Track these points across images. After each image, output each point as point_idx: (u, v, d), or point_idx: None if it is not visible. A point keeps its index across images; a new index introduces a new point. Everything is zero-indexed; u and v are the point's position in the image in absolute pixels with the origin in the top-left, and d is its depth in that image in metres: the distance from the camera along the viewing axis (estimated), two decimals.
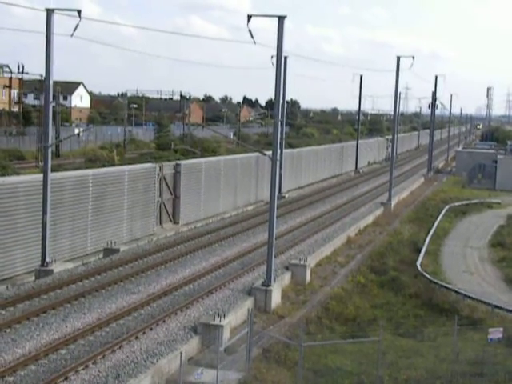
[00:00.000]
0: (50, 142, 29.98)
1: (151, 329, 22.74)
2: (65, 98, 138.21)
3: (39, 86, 79.84)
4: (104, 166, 53.46)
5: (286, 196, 58.30)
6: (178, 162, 44.92)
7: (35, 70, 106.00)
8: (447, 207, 58.43)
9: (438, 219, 51.86)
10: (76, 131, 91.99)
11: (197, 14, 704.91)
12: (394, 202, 58.88)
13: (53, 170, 31.12)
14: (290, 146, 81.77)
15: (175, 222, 42.70)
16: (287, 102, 76.96)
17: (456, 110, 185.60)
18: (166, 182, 41.55)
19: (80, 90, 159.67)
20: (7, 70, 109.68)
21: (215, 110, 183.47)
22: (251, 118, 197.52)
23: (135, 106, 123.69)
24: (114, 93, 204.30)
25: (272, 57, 27.66)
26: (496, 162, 79.72)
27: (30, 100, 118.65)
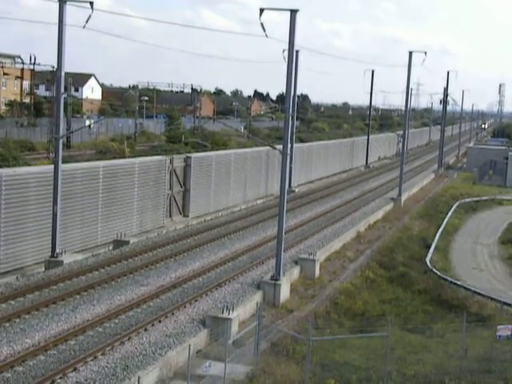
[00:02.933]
0: (60, 133, 30.04)
1: (160, 321, 22.80)
2: (76, 90, 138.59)
3: (51, 78, 79.89)
4: (114, 157, 53.55)
5: (296, 190, 58.28)
6: (189, 154, 44.96)
7: (45, 61, 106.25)
8: (457, 203, 58.27)
9: (448, 215, 51.74)
10: (87, 123, 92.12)
11: (206, 7, 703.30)
12: (404, 198, 58.79)
13: (63, 162, 31.18)
14: (301, 140, 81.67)
15: (185, 215, 42.76)
16: (298, 97, 76.83)
17: (467, 106, 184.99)
18: (177, 175, 41.59)
19: (91, 81, 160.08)
20: (19, 60, 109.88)
21: (226, 104, 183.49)
22: (262, 112, 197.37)
23: (146, 98, 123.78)
24: (125, 85, 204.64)
25: (284, 51, 27.59)
26: (507, 158, 79.38)
27: (42, 91, 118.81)
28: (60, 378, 17.88)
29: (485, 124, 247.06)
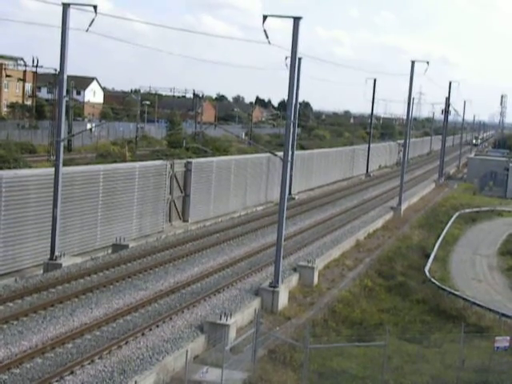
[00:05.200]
0: (62, 136, 30.08)
1: (158, 326, 22.77)
2: (78, 93, 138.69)
3: (53, 80, 80.00)
4: (115, 161, 53.58)
5: (296, 197, 58.28)
6: (189, 160, 45.00)
7: (47, 64, 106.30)
8: (457, 214, 58.24)
9: (448, 225, 51.70)
10: (88, 126, 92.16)
11: (207, 13, 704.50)
12: (404, 207, 58.76)
13: (64, 165, 31.21)
14: (302, 147, 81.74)
15: (184, 220, 42.76)
16: (300, 104, 76.92)
17: (469, 117, 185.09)
18: (177, 180, 41.61)
19: (93, 85, 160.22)
20: (21, 63, 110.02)
21: (228, 110, 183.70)
22: (263, 119, 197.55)
23: (148, 102, 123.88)
24: (127, 89, 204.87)
25: (286, 58, 27.65)
26: (508, 169, 79.42)
27: (44, 94, 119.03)
28: (57, 381, 17.86)
29: (477, 138, 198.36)
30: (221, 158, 50.72)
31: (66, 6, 28.38)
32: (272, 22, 27.15)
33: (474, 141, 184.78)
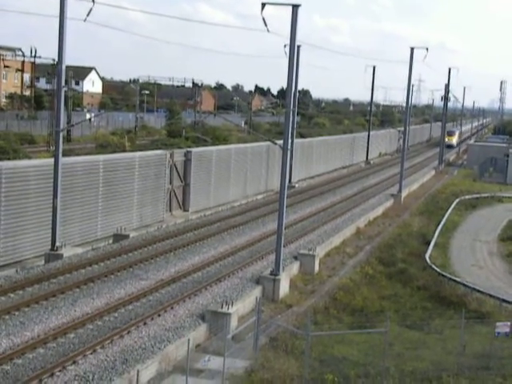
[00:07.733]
0: (61, 126, 30.02)
1: (159, 315, 22.84)
2: (77, 83, 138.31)
3: (51, 71, 79.88)
4: (115, 151, 53.54)
5: (296, 186, 58.28)
6: (189, 149, 44.94)
7: (45, 54, 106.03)
8: (457, 200, 58.25)
9: (448, 212, 51.73)
10: (87, 116, 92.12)
11: (203, 1, 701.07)
12: (404, 194, 58.79)
13: (64, 155, 31.18)
14: (301, 135, 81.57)
15: (185, 210, 42.77)
16: (299, 92, 76.79)
17: (469, 103, 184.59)
18: (177, 169, 41.59)
19: (92, 75, 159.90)
20: (20, 53, 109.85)
21: (227, 98, 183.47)
22: (263, 107, 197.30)
23: (147, 92, 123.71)
24: (126, 78, 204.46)
25: (285, 46, 27.55)
26: (508, 155, 79.34)
27: (42, 84, 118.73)
28: (59, 370, 17.92)
29: (453, 134, 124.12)
30: (220, 147, 50.68)
31: None
32: (269, 10, 27.08)
33: (446, 139, 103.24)
